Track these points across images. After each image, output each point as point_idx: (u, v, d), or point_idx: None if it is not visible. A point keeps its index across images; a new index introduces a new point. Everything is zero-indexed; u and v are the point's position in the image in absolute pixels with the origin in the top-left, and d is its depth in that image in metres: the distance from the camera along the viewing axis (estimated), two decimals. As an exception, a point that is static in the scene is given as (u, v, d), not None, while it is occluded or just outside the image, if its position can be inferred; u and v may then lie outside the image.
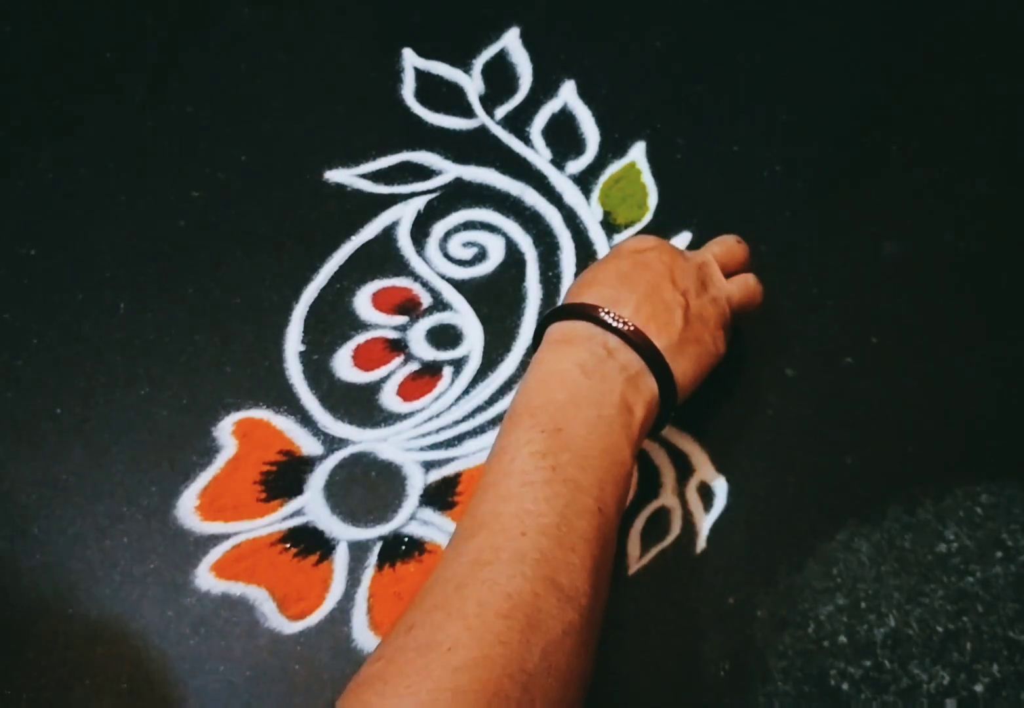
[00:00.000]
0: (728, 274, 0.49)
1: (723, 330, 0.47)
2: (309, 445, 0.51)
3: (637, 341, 0.42)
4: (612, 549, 0.39)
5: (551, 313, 0.45)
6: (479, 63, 0.63)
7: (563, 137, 0.61)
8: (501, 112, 0.61)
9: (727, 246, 0.50)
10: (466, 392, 0.53)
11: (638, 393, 0.41)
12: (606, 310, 0.43)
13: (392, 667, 0.33)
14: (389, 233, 0.57)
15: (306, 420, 0.52)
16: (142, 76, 0.63)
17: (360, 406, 0.52)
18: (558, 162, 0.60)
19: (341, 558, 0.48)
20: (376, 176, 0.59)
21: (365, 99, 0.62)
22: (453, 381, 0.53)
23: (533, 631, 0.34)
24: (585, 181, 0.59)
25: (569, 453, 0.38)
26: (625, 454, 0.40)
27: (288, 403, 0.52)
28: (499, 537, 0.36)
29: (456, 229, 0.58)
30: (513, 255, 0.57)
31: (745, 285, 0.49)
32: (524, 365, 0.53)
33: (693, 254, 0.48)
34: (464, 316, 0.55)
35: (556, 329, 0.44)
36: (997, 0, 0.67)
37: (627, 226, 0.57)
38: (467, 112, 0.62)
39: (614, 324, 0.42)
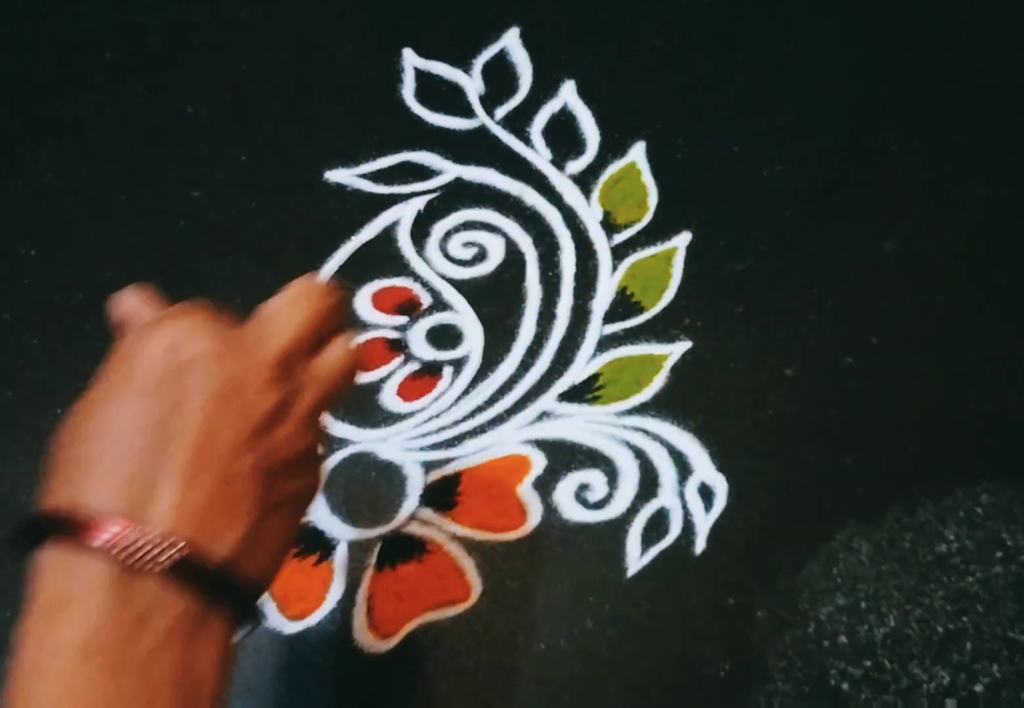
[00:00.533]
0: (317, 342, 0.33)
1: (318, 440, 0.32)
2: (309, 445, 0.51)
3: (192, 578, 0.26)
4: None
5: (27, 526, 0.28)
6: (479, 63, 0.63)
7: (563, 137, 0.61)
8: (501, 112, 0.61)
9: (311, 304, 0.33)
10: (466, 392, 0.53)
11: (205, 651, 0.27)
12: (127, 531, 0.26)
13: None
14: (389, 233, 0.57)
15: (306, 420, 0.51)
16: (142, 76, 0.63)
17: (360, 406, 0.52)
18: (558, 162, 0.60)
19: (341, 558, 0.48)
20: (376, 176, 0.59)
21: (365, 99, 0.62)
22: (453, 381, 0.53)
23: None
24: (585, 181, 0.59)
25: None
26: None
27: (288, 403, 0.52)
28: None
29: (456, 229, 0.58)
30: (513, 255, 0.57)
31: (336, 362, 0.32)
32: (524, 365, 0.53)
33: (256, 332, 0.32)
34: (464, 316, 0.55)
35: (45, 572, 0.27)
36: (997, 1, 0.67)
37: (627, 226, 0.57)
38: (467, 112, 0.62)
39: (146, 559, 0.26)
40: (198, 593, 0.27)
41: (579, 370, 0.53)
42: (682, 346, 0.54)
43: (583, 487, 0.50)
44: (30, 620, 0.26)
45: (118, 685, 0.25)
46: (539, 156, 0.60)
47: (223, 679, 0.28)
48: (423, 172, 0.59)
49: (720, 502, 0.50)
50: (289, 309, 0.33)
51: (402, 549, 0.48)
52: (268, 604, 0.47)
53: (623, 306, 0.55)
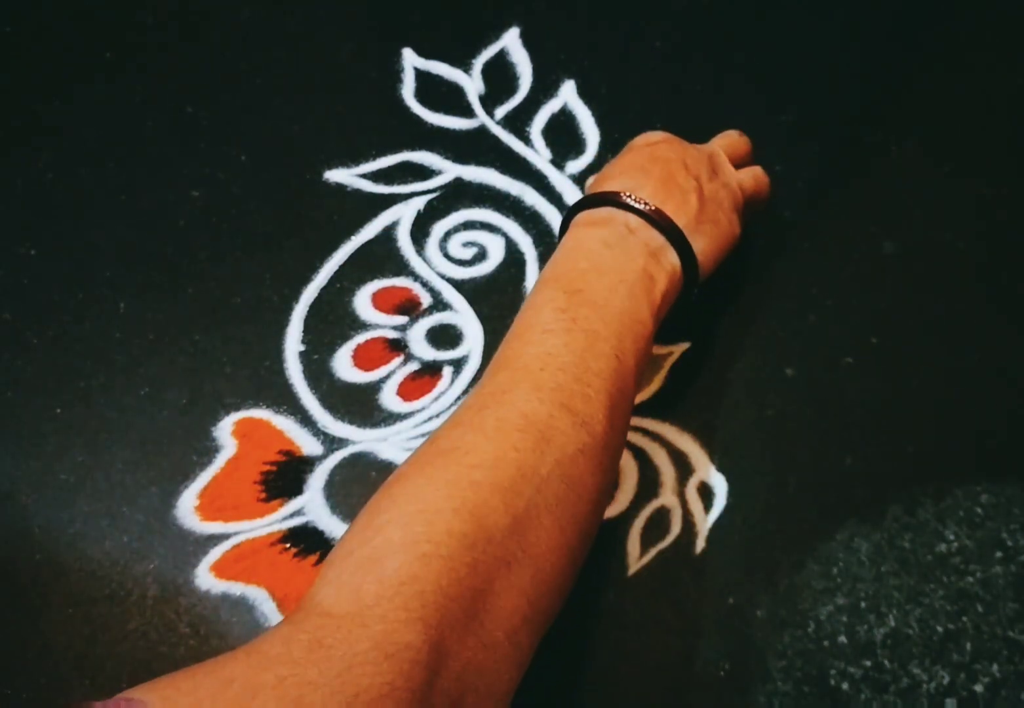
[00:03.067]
0: (735, 166, 0.52)
1: (737, 213, 0.50)
2: (309, 445, 0.51)
3: (657, 219, 0.45)
4: (629, 395, 0.41)
5: (576, 205, 0.47)
6: (479, 63, 0.63)
7: (563, 137, 0.61)
8: (501, 112, 0.61)
9: (731, 140, 0.54)
10: (466, 392, 0.53)
11: (660, 266, 0.45)
12: (627, 194, 0.45)
13: (413, 468, 0.36)
14: (389, 233, 0.57)
15: (306, 420, 0.52)
16: (142, 76, 0.63)
17: (360, 406, 0.52)
18: (558, 162, 0.60)
19: (341, 558, 0.48)
20: (376, 176, 0.59)
21: (365, 99, 0.62)
22: (453, 381, 0.53)
23: (547, 444, 0.36)
24: (585, 181, 0.59)
25: (588, 308, 0.41)
26: (645, 315, 0.43)
27: (288, 403, 0.52)
28: (519, 372, 0.39)
29: (456, 229, 0.58)
30: (513, 255, 0.57)
31: (753, 174, 0.53)
32: (524, 365, 0.53)
33: (701, 146, 0.52)
34: (464, 316, 0.55)
35: (581, 216, 0.47)
36: (997, 1, 0.67)
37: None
38: (467, 112, 0.62)
39: (635, 205, 0.45)
40: (660, 231, 0.45)
41: (579, 370, 0.53)
42: (682, 346, 0.54)
43: (583, 487, 0.50)
44: (571, 232, 0.46)
45: (613, 254, 0.44)
46: (539, 156, 0.60)
47: (667, 291, 0.45)
48: (423, 172, 0.60)
49: (720, 502, 0.50)
50: (716, 140, 0.54)
51: (402, 549, 0.48)
52: (268, 604, 0.47)
53: (623, 306, 0.55)
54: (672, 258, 0.45)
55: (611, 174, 0.48)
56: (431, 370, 0.53)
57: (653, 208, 0.45)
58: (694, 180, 0.48)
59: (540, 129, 0.61)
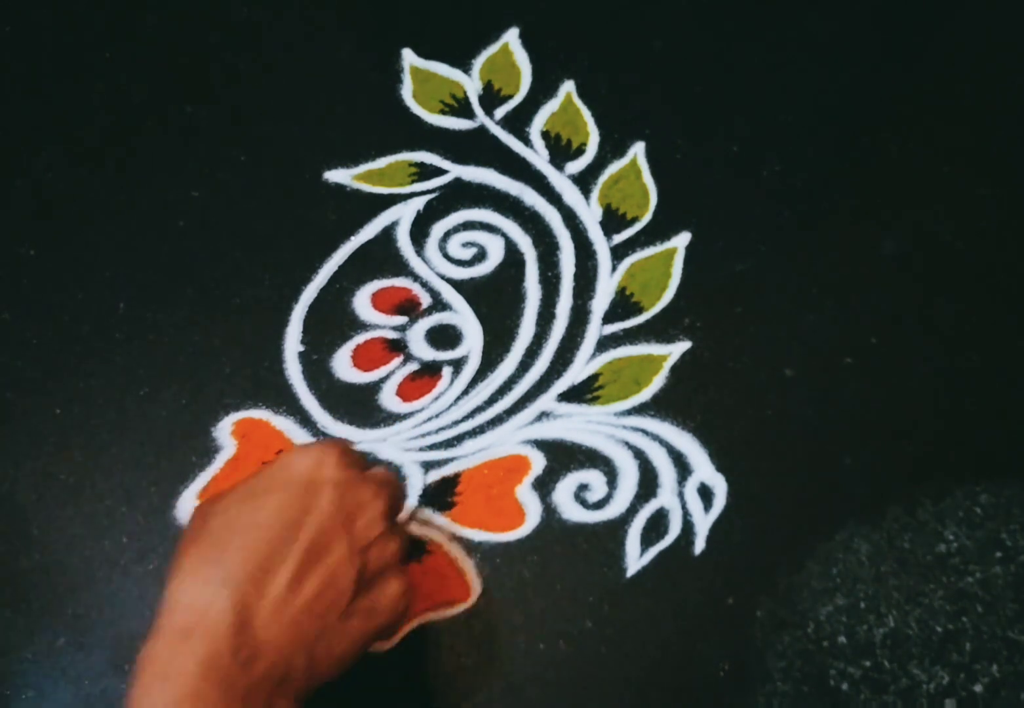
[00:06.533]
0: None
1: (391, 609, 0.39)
2: (309, 445, 0.51)
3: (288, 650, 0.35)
4: None
5: (178, 562, 0.36)
6: (479, 63, 0.63)
7: (562, 137, 0.61)
8: (500, 112, 0.61)
9: (393, 497, 0.41)
10: (465, 392, 0.53)
11: (284, 698, 0.35)
12: (255, 592, 0.35)
13: None
14: (388, 233, 0.57)
15: (305, 420, 0.52)
16: (142, 76, 0.63)
17: (359, 406, 0.52)
18: (557, 162, 0.60)
19: (341, 558, 0.48)
20: (376, 176, 0.59)
21: (365, 99, 0.62)
22: (452, 381, 0.53)
23: None
24: (585, 181, 0.59)
25: None
26: None
27: (287, 403, 0.52)
28: None
29: (455, 229, 0.58)
30: (512, 255, 0.57)
31: (389, 596, 0.39)
32: (524, 365, 0.53)
33: (370, 486, 0.39)
34: (463, 316, 0.55)
35: (184, 605, 0.35)
36: (997, 1, 0.67)
37: (627, 226, 0.57)
38: (467, 112, 0.62)
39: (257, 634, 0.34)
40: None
41: (578, 370, 0.53)
42: (682, 346, 0.54)
43: (582, 487, 0.50)
44: (161, 638, 0.34)
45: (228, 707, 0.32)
46: (538, 156, 0.60)
47: None
48: (423, 172, 0.59)
49: (720, 502, 0.50)
50: (388, 491, 0.40)
51: (402, 549, 0.48)
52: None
53: (623, 306, 0.55)
54: (296, 685, 0.36)
55: (236, 529, 0.37)
56: (430, 370, 0.53)
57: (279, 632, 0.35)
58: (357, 554, 0.38)
59: (539, 129, 0.61)
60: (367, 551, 0.38)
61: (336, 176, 0.59)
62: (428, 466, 0.51)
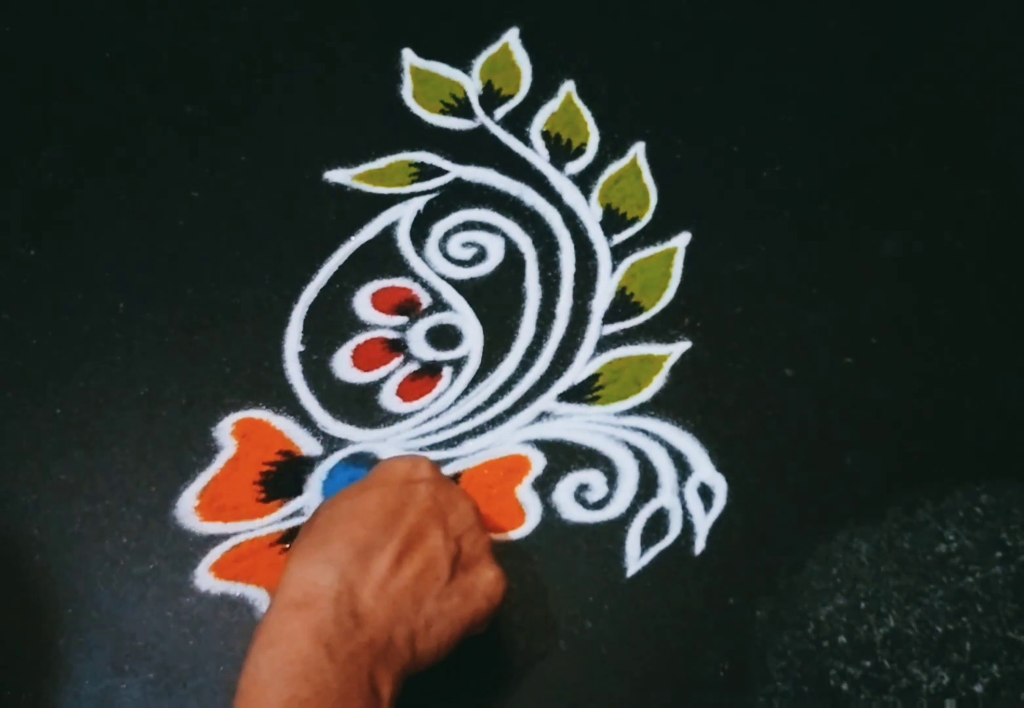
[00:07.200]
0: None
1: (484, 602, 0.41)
2: (309, 445, 0.51)
3: (391, 614, 0.38)
4: None
5: (292, 550, 0.40)
6: (479, 63, 0.63)
7: (562, 137, 0.61)
8: (501, 112, 0.61)
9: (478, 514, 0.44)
10: (465, 392, 0.53)
11: (387, 669, 0.37)
12: (359, 570, 0.38)
13: None
14: (389, 233, 0.57)
15: (306, 420, 0.52)
16: (142, 76, 0.63)
17: (360, 406, 0.52)
18: (557, 162, 0.60)
19: (341, 558, 0.48)
20: (376, 176, 0.59)
21: (365, 99, 0.62)
22: (452, 381, 0.53)
23: None
24: (585, 181, 0.59)
25: None
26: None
27: (288, 403, 0.52)
28: None
29: (456, 229, 0.58)
30: (513, 255, 0.57)
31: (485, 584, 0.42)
32: (524, 365, 0.53)
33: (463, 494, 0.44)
34: (464, 316, 0.55)
35: (294, 582, 0.38)
36: (997, 1, 0.67)
37: (627, 226, 0.57)
38: (467, 112, 0.62)
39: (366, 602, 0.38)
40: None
41: (578, 370, 0.53)
42: (682, 346, 0.54)
43: (582, 487, 0.50)
44: (282, 614, 0.37)
45: (336, 670, 0.36)
46: (538, 156, 0.60)
47: (393, 692, 0.37)
48: (423, 172, 0.59)
49: (720, 502, 0.50)
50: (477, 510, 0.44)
51: (402, 549, 0.48)
52: (267, 604, 0.47)
53: (623, 306, 0.55)
54: (401, 652, 0.39)
55: (347, 514, 0.41)
56: (431, 370, 0.53)
57: (388, 601, 0.39)
58: (453, 542, 0.41)
59: (539, 129, 0.61)
60: (460, 540, 0.41)
61: (336, 176, 0.59)
62: (428, 466, 0.50)
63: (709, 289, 0.55)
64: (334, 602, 0.37)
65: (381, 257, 0.56)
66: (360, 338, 0.54)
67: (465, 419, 0.52)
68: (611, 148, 0.60)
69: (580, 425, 0.52)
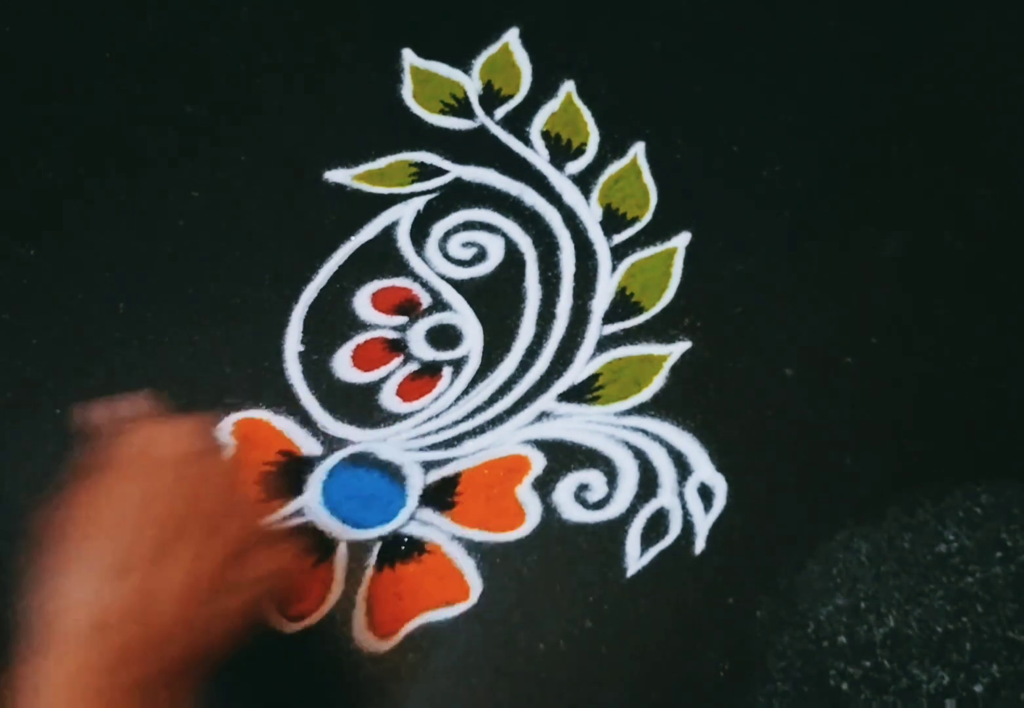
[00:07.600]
0: None
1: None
2: (309, 445, 0.51)
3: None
4: None
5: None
6: (479, 63, 0.63)
7: (562, 137, 0.61)
8: (501, 112, 0.61)
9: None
10: (465, 392, 0.53)
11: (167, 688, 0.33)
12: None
13: None
14: (388, 233, 0.57)
15: (306, 420, 0.52)
16: (142, 76, 0.63)
17: (359, 406, 0.52)
18: (557, 162, 0.60)
19: (341, 558, 0.48)
20: (376, 176, 0.59)
21: (365, 99, 0.62)
22: (452, 381, 0.53)
23: None
24: (585, 181, 0.59)
25: None
26: None
27: (288, 403, 0.52)
28: None
29: (455, 229, 0.58)
30: (513, 255, 0.57)
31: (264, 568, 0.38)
32: (524, 365, 0.53)
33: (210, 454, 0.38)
34: (464, 316, 0.55)
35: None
36: (996, 1, 0.67)
37: (627, 226, 0.57)
38: (467, 112, 0.62)
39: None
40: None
41: (578, 370, 0.53)
42: (682, 346, 0.54)
43: (582, 487, 0.50)
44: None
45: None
46: (538, 156, 0.60)
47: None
48: (423, 172, 0.59)
49: (720, 502, 0.50)
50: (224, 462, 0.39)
51: (401, 549, 0.48)
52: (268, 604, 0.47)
53: (623, 306, 0.55)
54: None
55: (94, 524, 0.35)
56: (431, 370, 0.53)
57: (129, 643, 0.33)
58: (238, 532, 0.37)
59: (539, 129, 0.61)
60: (224, 530, 0.36)
61: (336, 176, 0.59)
62: (428, 466, 0.51)
63: (709, 289, 0.55)
64: (87, 640, 0.32)
65: (381, 257, 0.56)
66: (360, 338, 0.54)
67: (465, 419, 0.52)
68: (611, 148, 0.60)
69: (580, 425, 0.52)
